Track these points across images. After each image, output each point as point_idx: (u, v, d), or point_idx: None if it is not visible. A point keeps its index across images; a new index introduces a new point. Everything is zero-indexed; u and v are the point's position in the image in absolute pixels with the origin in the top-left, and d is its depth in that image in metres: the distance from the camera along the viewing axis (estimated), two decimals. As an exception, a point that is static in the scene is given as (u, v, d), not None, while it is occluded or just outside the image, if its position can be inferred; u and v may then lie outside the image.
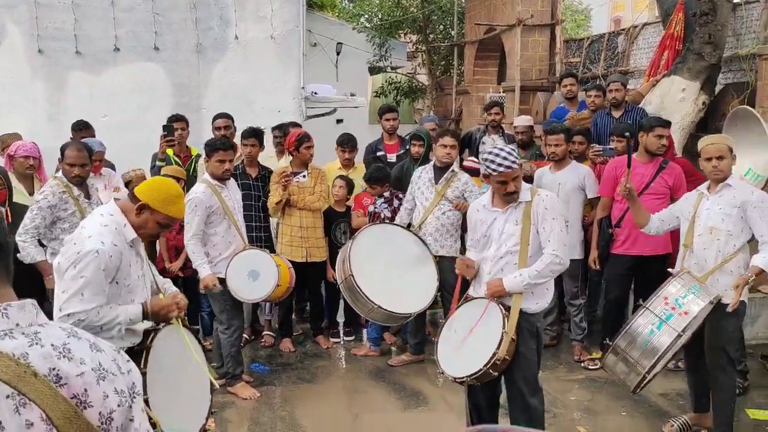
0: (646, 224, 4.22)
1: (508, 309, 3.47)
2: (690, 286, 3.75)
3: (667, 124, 5.10)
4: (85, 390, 1.08)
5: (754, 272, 3.64)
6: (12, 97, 7.58)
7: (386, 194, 5.54)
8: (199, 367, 3.10)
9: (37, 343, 1.05)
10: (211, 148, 4.62)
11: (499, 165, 3.37)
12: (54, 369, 1.04)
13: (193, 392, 3.10)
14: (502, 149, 3.48)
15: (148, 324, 2.95)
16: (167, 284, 3.28)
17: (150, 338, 2.90)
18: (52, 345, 1.07)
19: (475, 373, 3.37)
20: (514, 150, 3.54)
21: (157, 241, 5.40)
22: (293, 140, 5.46)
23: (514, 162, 3.40)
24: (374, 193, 5.64)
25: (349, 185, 5.80)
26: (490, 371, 3.37)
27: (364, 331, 6.04)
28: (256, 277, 4.60)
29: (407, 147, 6.13)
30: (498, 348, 3.33)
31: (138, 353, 2.78)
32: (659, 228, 4.23)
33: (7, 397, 0.98)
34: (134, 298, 2.86)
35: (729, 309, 3.67)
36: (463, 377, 3.44)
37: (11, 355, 1.01)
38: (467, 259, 3.71)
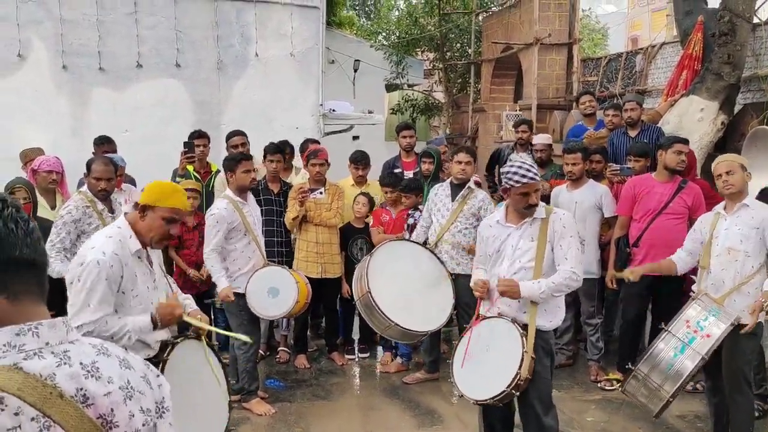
0: (676, 267, 4.16)
1: (524, 327, 3.47)
2: (710, 309, 3.73)
3: (686, 141, 5.10)
4: (112, 410, 1.07)
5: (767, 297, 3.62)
6: (36, 112, 7.72)
7: (421, 206, 5.57)
8: (217, 383, 3.13)
9: (65, 363, 1.05)
10: (235, 160, 4.67)
11: (523, 176, 3.41)
12: (81, 389, 1.04)
13: (209, 408, 3.12)
14: (524, 162, 3.52)
15: (164, 335, 2.98)
16: (188, 300, 3.30)
17: (167, 351, 2.93)
18: (81, 363, 1.07)
19: (498, 395, 3.35)
20: (534, 164, 3.58)
21: (172, 255, 5.44)
22: (304, 155, 5.58)
23: (536, 174, 3.47)
24: (408, 204, 5.66)
25: (371, 202, 5.84)
26: (513, 392, 3.36)
27: (379, 348, 6.04)
28: (276, 294, 4.63)
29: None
30: (520, 368, 3.32)
31: (154, 366, 2.80)
32: (690, 262, 4.15)
33: (32, 419, 0.97)
34: (147, 309, 2.88)
35: (742, 331, 3.64)
36: (486, 399, 3.42)
37: (38, 375, 1.01)
38: (487, 281, 3.64)
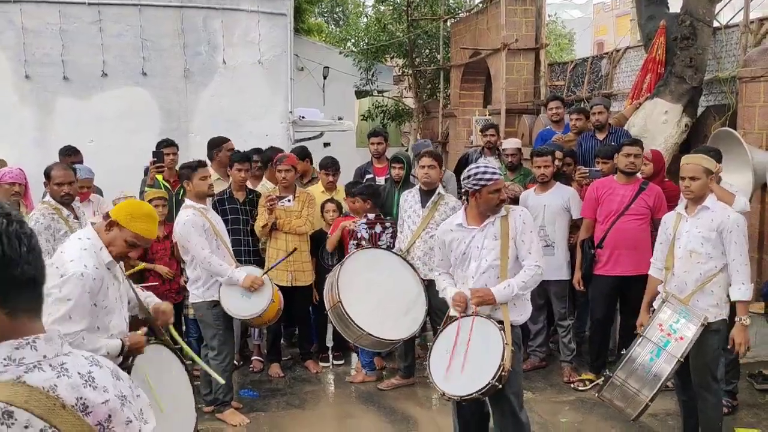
0: (660, 281, 4.15)
1: (499, 323, 3.51)
2: (680, 311, 3.80)
3: (635, 142, 5.22)
4: (109, 416, 1.12)
5: (743, 311, 3.79)
6: (0, 123, 7.57)
7: (370, 216, 5.53)
8: (184, 388, 3.11)
9: (64, 374, 1.08)
10: (191, 168, 4.61)
11: (493, 174, 3.54)
12: (81, 398, 1.08)
13: (176, 413, 3.08)
14: (486, 164, 3.65)
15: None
16: (149, 297, 3.33)
17: (131, 359, 2.92)
18: (78, 374, 1.11)
19: (484, 387, 3.37)
20: (489, 165, 3.69)
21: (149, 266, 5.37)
22: (274, 161, 5.57)
23: (498, 174, 3.58)
24: (354, 208, 5.62)
25: (339, 208, 5.83)
26: (496, 384, 3.39)
27: (353, 355, 6.02)
28: (249, 294, 4.60)
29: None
30: (503, 359, 3.36)
31: None
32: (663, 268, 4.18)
33: (41, 430, 1.00)
34: (111, 320, 2.89)
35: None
36: (471, 394, 3.43)
37: (41, 388, 1.03)
38: (464, 294, 3.63)
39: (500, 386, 3.41)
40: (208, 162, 5.46)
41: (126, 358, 2.96)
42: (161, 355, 3.16)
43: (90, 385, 1.11)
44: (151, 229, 2.96)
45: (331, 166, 6.03)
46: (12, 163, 5.60)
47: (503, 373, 3.36)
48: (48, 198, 4.51)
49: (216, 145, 6.04)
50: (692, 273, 3.88)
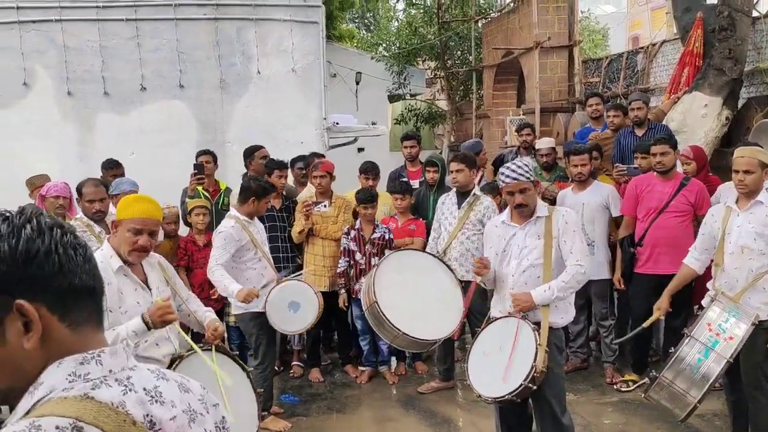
0: (695, 271, 4.12)
1: (536, 324, 3.49)
2: (729, 309, 3.71)
3: (660, 140, 5.07)
4: None
5: None
6: (44, 140, 7.80)
7: (351, 232, 5.50)
8: (239, 394, 3.15)
9: (131, 390, 1.05)
10: (266, 191, 4.67)
11: (507, 177, 3.52)
12: (148, 415, 1.04)
13: (239, 422, 3.12)
14: (514, 163, 3.60)
15: (172, 348, 3.00)
16: (209, 313, 3.34)
17: (175, 365, 2.95)
18: (144, 389, 1.07)
19: (516, 389, 3.36)
20: (527, 165, 3.61)
21: (183, 276, 5.46)
22: (309, 168, 5.62)
23: (521, 175, 3.51)
24: (400, 206, 5.64)
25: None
26: (530, 385, 3.36)
27: (393, 358, 6.01)
28: (296, 308, 4.61)
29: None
30: (535, 360, 3.34)
31: None
32: (706, 260, 4.12)
33: None
34: None
35: None
36: (504, 395, 3.42)
37: (110, 404, 1.01)
38: (484, 258, 3.68)
39: (534, 387, 3.38)
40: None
41: (171, 364, 2.98)
42: (223, 364, 3.20)
43: (157, 401, 1.07)
44: (146, 208, 2.90)
45: (371, 170, 6.05)
46: (56, 178, 5.76)
47: (535, 374, 3.33)
48: (80, 215, 4.60)
49: (249, 153, 6.14)
50: (743, 269, 3.78)
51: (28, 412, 0.99)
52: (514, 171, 3.52)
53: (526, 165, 3.59)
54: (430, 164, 5.98)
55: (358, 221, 5.53)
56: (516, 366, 3.43)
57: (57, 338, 1.04)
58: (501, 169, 3.61)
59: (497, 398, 3.47)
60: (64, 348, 1.04)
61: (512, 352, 3.49)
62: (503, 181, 3.55)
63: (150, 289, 3.02)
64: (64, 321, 1.05)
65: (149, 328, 2.87)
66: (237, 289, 4.36)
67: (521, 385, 3.35)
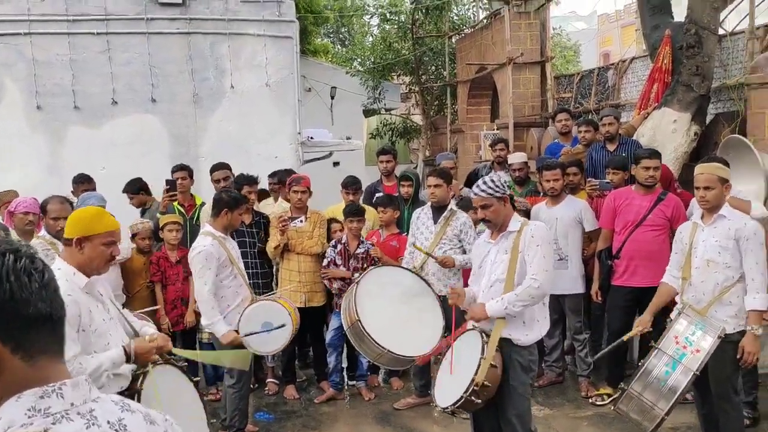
0: (674, 290, 4.10)
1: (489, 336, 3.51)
2: (696, 322, 3.76)
3: (653, 154, 5.13)
4: None
5: (756, 320, 3.71)
6: (13, 153, 7.66)
7: (338, 245, 5.47)
8: (195, 407, 3.10)
9: (93, 423, 1.01)
10: (237, 202, 4.56)
11: (474, 192, 3.62)
12: None
13: (194, 427, 3.07)
14: (483, 179, 3.65)
15: (132, 366, 2.94)
16: (145, 327, 3.26)
17: (140, 381, 2.89)
18: (108, 422, 1.04)
19: (458, 401, 3.41)
20: (495, 181, 3.63)
21: (158, 291, 5.39)
22: (287, 183, 5.58)
23: (483, 191, 3.57)
24: (385, 218, 5.62)
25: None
26: (472, 398, 3.37)
27: (368, 373, 5.96)
28: (270, 328, 4.54)
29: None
30: (476, 374, 3.36)
31: (129, 398, 2.77)
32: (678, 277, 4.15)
33: None
34: (108, 341, 2.84)
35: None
36: (447, 406, 3.49)
37: None
38: (457, 288, 3.79)
39: (479, 401, 3.40)
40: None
41: (134, 379, 2.93)
42: (171, 376, 3.14)
43: None
44: (113, 221, 2.90)
45: (351, 185, 6.03)
46: (26, 193, 5.64)
47: (475, 388, 3.35)
48: (43, 233, 4.50)
49: (211, 171, 6.08)
50: (709, 283, 3.84)
51: None
52: (478, 186, 3.60)
53: (493, 181, 3.62)
54: (405, 179, 5.99)
55: (344, 235, 5.49)
56: (460, 378, 3.49)
57: (11, 371, 0.99)
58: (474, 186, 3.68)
59: (443, 408, 3.54)
60: (20, 381, 0.99)
61: (459, 364, 3.56)
62: (473, 196, 3.64)
63: (107, 304, 2.96)
64: (17, 353, 0.99)
65: (128, 361, 2.84)
66: (225, 331, 4.37)
67: (462, 397, 3.38)
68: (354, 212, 5.44)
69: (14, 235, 4.89)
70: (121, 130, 8.02)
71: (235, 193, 4.75)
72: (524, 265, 3.53)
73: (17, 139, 7.76)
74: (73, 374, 2.62)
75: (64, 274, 2.78)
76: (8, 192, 5.80)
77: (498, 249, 3.62)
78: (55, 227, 4.35)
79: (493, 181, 3.61)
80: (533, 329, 3.59)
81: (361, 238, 5.51)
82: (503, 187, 3.61)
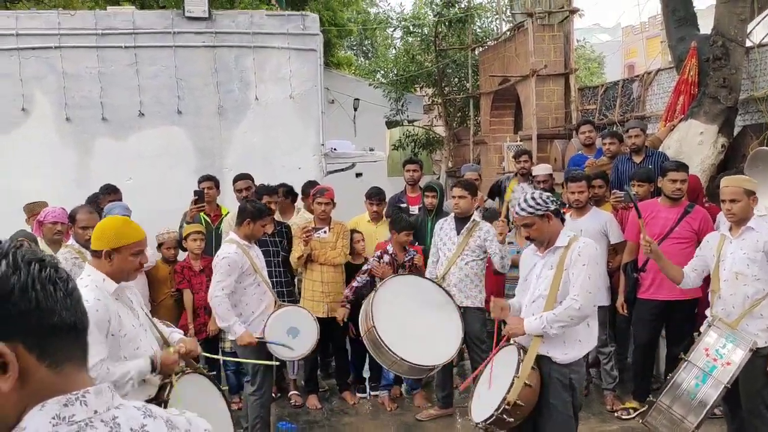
0: (682, 279, 4.13)
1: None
2: (726, 335, 3.70)
3: (681, 167, 5.07)
4: None
5: None
6: (41, 165, 7.80)
7: (385, 256, 5.47)
8: (222, 416, 3.12)
9: (116, 430, 1.02)
10: (261, 212, 4.60)
11: (516, 213, 3.56)
12: None
13: None
14: (525, 197, 3.56)
15: (159, 375, 2.98)
16: (174, 333, 3.30)
17: (167, 391, 2.92)
18: (131, 429, 1.05)
19: (488, 418, 3.38)
20: (536, 198, 3.53)
21: (187, 296, 5.44)
22: (311, 195, 5.60)
23: (523, 209, 3.51)
24: (400, 241, 5.60)
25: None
26: (504, 417, 3.33)
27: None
28: (296, 334, 4.56)
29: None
30: (508, 392, 3.31)
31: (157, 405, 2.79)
32: (696, 280, 4.14)
33: None
34: (138, 346, 2.87)
35: None
36: (479, 422, 3.46)
37: None
38: (501, 301, 3.73)
39: (511, 420, 3.35)
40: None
41: (161, 388, 2.96)
42: (199, 385, 3.17)
43: None
44: (136, 229, 2.94)
45: (375, 195, 6.05)
46: (55, 203, 5.74)
47: (506, 407, 3.30)
48: (72, 241, 4.57)
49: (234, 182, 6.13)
50: (739, 295, 3.78)
51: None
52: (519, 205, 3.53)
53: (534, 198, 3.52)
54: (429, 189, 6.00)
55: (389, 245, 5.49)
56: (495, 394, 3.45)
57: (37, 379, 0.99)
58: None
59: (476, 423, 3.50)
60: (45, 389, 1.00)
61: (496, 379, 3.52)
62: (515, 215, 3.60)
63: (137, 310, 3.00)
64: (44, 361, 1.00)
65: (153, 370, 2.88)
66: (241, 331, 4.40)
67: (492, 415, 3.35)
68: (407, 227, 5.47)
69: (42, 244, 4.98)
70: (147, 141, 8.12)
71: (260, 204, 4.80)
72: (568, 283, 3.42)
73: (47, 150, 7.90)
74: (99, 378, 2.66)
75: (94, 280, 2.83)
76: (39, 203, 5.90)
77: (544, 263, 3.53)
78: (84, 236, 4.41)
79: (533, 198, 3.51)
80: (573, 348, 3.47)
81: (405, 246, 5.52)
82: (545, 203, 3.49)
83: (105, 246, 2.85)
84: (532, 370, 3.40)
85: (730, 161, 6.83)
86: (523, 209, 3.50)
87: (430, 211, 5.96)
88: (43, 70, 7.92)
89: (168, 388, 2.95)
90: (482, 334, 5.22)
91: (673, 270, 4.16)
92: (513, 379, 3.34)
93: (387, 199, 6.35)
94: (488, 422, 3.39)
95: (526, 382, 3.34)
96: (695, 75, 7.00)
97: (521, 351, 3.47)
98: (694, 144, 6.65)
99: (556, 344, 3.44)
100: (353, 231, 5.82)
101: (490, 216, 5.73)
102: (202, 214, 5.90)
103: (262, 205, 4.80)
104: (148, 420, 1.08)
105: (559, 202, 3.58)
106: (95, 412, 1.02)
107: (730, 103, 6.65)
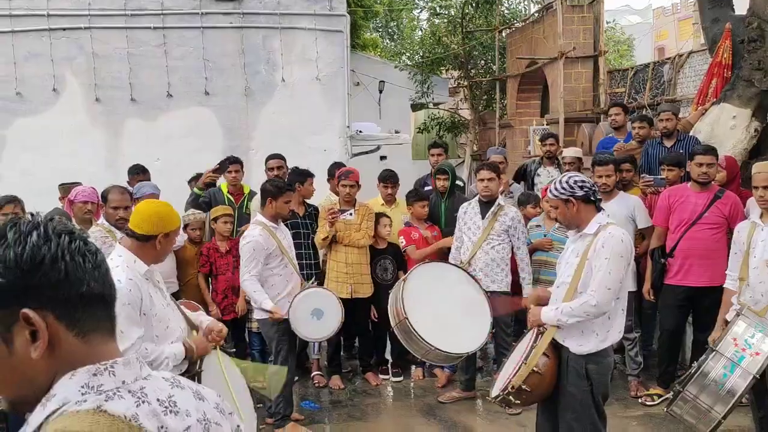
0: (736, 294, 4.03)
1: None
2: (756, 324, 3.64)
3: (708, 151, 4.97)
4: None
5: None
6: (71, 145, 7.93)
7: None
8: (242, 392, 3.19)
9: (144, 401, 1.03)
10: (279, 189, 4.64)
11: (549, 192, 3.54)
12: (162, 427, 1.02)
13: (242, 412, 3.15)
14: (556, 181, 3.51)
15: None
16: (201, 315, 3.35)
17: (198, 363, 2.98)
18: (158, 400, 1.05)
19: (495, 397, 3.50)
20: (564, 182, 3.43)
21: (201, 282, 5.51)
22: (336, 177, 5.63)
23: (550, 191, 3.49)
24: (416, 213, 5.71)
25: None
26: (510, 398, 3.39)
27: (412, 367, 5.99)
28: (320, 315, 4.61)
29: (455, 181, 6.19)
30: (513, 377, 3.36)
31: (190, 378, 2.85)
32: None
33: None
34: (168, 326, 2.92)
35: None
36: (492, 397, 3.56)
37: (123, 417, 0.98)
38: (539, 290, 3.78)
39: (517, 402, 3.40)
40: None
41: (193, 363, 3.02)
42: (223, 362, 3.23)
43: (171, 411, 1.05)
44: (177, 213, 3.02)
45: (389, 178, 6.06)
46: (84, 184, 5.84)
47: (511, 389, 3.34)
48: (102, 221, 4.63)
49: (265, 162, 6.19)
50: (767, 283, 3.72)
51: (40, 426, 0.98)
52: (552, 184, 3.50)
53: (561, 182, 3.43)
54: (441, 172, 5.99)
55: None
56: (503, 376, 3.54)
57: (66, 348, 1.02)
58: None
59: (491, 398, 3.60)
60: (74, 358, 1.02)
61: (510, 363, 3.59)
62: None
63: (164, 291, 3.05)
64: (73, 330, 1.02)
65: (188, 356, 2.94)
66: (270, 306, 4.50)
67: (499, 395, 3.44)
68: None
69: (73, 223, 5.07)
70: (175, 122, 8.21)
71: (278, 181, 4.84)
72: (590, 274, 3.31)
73: (77, 131, 8.02)
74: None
75: (126, 260, 2.87)
76: (74, 184, 5.99)
77: (572, 250, 3.47)
78: (115, 216, 4.47)
79: (560, 182, 3.43)
80: (590, 341, 3.37)
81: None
82: (570, 188, 3.38)
83: (156, 230, 2.89)
84: (546, 358, 3.36)
85: (762, 146, 6.69)
86: (550, 191, 3.49)
87: (442, 194, 5.95)
88: (73, 50, 8.02)
89: (199, 361, 3.01)
90: (508, 318, 5.22)
91: (727, 306, 4.07)
92: (520, 365, 3.36)
93: (409, 182, 6.37)
94: (497, 400, 3.48)
95: (534, 369, 3.32)
96: (729, 57, 6.83)
97: (538, 337, 3.45)
98: (726, 128, 6.51)
99: (573, 334, 3.38)
100: (381, 215, 5.84)
101: (526, 200, 5.77)
102: (225, 190, 5.98)
103: (281, 182, 4.83)
104: (175, 390, 1.10)
105: (593, 189, 3.43)
106: (123, 382, 1.04)
107: (765, 86, 6.49)
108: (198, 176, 6.31)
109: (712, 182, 5.00)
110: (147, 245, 2.90)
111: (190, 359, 2.97)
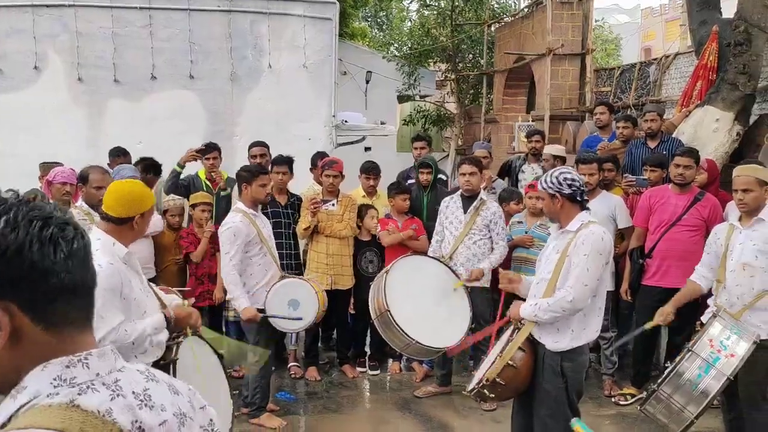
0: (701, 288, 4.09)
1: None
2: (731, 326, 3.68)
3: (686, 153, 5.00)
4: None
5: None
6: (53, 124, 7.80)
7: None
8: (219, 380, 3.18)
9: (118, 395, 1.00)
10: (252, 173, 4.63)
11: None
12: (136, 422, 0.99)
13: (218, 401, 3.12)
14: (547, 174, 3.51)
15: (166, 335, 3.00)
16: (175, 301, 3.30)
17: (174, 351, 2.94)
18: (133, 393, 1.02)
19: (471, 390, 3.53)
20: (553, 176, 3.42)
21: (200, 250, 5.45)
22: (319, 166, 5.59)
23: (540, 183, 3.47)
24: (397, 206, 5.68)
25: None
26: (485, 392, 3.42)
27: (389, 360, 6.00)
28: (296, 306, 4.58)
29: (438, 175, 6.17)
30: (487, 370, 3.39)
31: (164, 368, 2.81)
32: (711, 281, 4.07)
33: None
34: (145, 311, 2.89)
35: None
36: (468, 391, 3.61)
37: (96, 412, 0.95)
38: (511, 273, 3.76)
39: (491, 395, 3.45)
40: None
41: (168, 349, 2.97)
42: (198, 349, 3.19)
43: (146, 405, 1.03)
44: (147, 195, 2.98)
45: (371, 170, 6.03)
46: (66, 164, 5.74)
47: (485, 383, 3.37)
48: (80, 203, 4.54)
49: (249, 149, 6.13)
50: (744, 287, 3.76)
51: (9, 418, 0.94)
52: (544, 176, 3.50)
53: (550, 176, 3.43)
54: (424, 165, 5.97)
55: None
56: (481, 369, 3.56)
57: (32, 339, 0.98)
58: None
59: (467, 391, 3.64)
60: (42, 351, 0.98)
61: (491, 356, 3.60)
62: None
63: (141, 275, 3.01)
64: (40, 322, 0.98)
65: (168, 325, 2.91)
66: (245, 306, 4.44)
67: (474, 388, 3.48)
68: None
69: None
70: (159, 105, 8.10)
71: (251, 166, 4.81)
72: (568, 271, 3.33)
73: (58, 110, 7.89)
74: (119, 341, 2.69)
75: (104, 244, 2.82)
76: (55, 164, 5.89)
77: (554, 246, 3.49)
78: (98, 196, 4.38)
79: (552, 175, 3.43)
80: (565, 337, 3.38)
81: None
82: (558, 184, 3.37)
83: (132, 212, 2.86)
84: (521, 352, 3.39)
85: (744, 150, 6.75)
86: (540, 182, 3.50)
87: (425, 188, 5.94)
88: (56, 28, 7.87)
89: (175, 348, 2.97)
90: (487, 314, 5.23)
91: (687, 292, 4.12)
92: (496, 358, 3.39)
93: (392, 174, 6.34)
94: (472, 393, 3.52)
95: (509, 362, 3.35)
96: (714, 60, 6.87)
97: (515, 332, 3.48)
98: (709, 131, 6.56)
99: (549, 331, 3.40)
100: (368, 207, 5.81)
101: (508, 196, 5.78)
102: (203, 177, 5.91)
103: (253, 166, 4.80)
104: (150, 384, 1.07)
105: (581, 189, 3.40)
106: (97, 374, 1.00)
107: (749, 90, 6.55)
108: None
109: (692, 184, 5.03)
110: (124, 227, 2.88)
111: (171, 329, 2.95)
